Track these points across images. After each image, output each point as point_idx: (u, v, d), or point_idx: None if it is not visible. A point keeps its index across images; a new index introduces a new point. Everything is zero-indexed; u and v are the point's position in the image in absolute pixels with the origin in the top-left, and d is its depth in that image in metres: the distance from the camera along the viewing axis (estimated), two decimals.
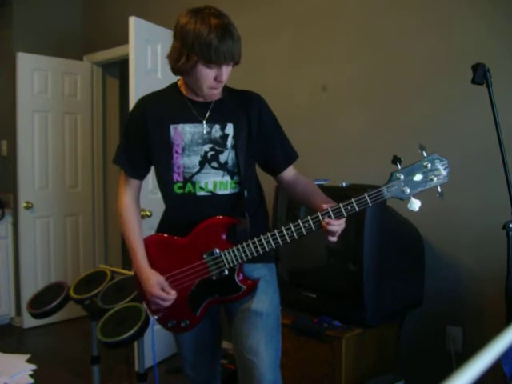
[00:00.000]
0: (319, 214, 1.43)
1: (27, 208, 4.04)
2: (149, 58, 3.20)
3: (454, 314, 2.50)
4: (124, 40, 3.27)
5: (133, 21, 3.05)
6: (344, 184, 2.36)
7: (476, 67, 1.83)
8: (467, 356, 0.51)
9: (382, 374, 2.26)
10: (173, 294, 1.56)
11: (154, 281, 1.56)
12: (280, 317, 1.67)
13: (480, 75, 1.82)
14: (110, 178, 4.66)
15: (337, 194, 2.34)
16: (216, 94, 1.56)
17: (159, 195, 3.41)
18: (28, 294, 3.02)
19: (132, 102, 3.04)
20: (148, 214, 3.00)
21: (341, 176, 2.51)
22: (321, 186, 2.52)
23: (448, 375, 0.51)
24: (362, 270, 2.19)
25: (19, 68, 4.00)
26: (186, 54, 1.44)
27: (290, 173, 1.71)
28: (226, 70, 1.49)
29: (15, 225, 4.13)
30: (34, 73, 4.08)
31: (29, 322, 3.91)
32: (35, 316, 2.35)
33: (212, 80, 1.48)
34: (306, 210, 2.62)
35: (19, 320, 4.12)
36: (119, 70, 4.65)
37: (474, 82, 1.84)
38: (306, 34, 3.06)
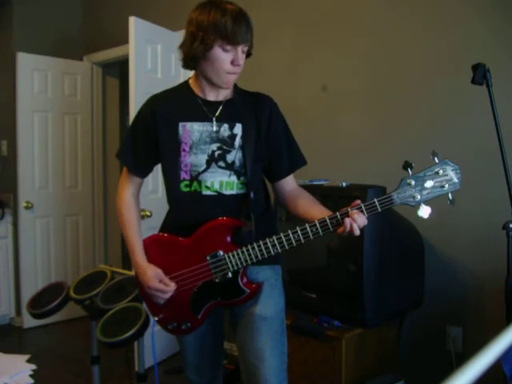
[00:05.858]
0: (326, 218, 1.42)
1: (27, 208, 4.04)
2: (149, 58, 3.20)
3: (454, 313, 2.50)
4: (124, 40, 3.27)
5: (133, 21, 3.05)
6: (344, 184, 2.36)
7: (476, 67, 1.82)
8: (467, 356, 0.51)
9: (382, 374, 2.26)
10: (172, 286, 1.54)
11: (151, 273, 1.55)
12: (285, 320, 1.65)
13: (480, 75, 1.82)
14: (110, 178, 4.66)
15: (337, 193, 2.35)
16: (232, 80, 1.54)
17: (159, 195, 3.40)
18: (28, 294, 3.02)
19: (132, 102, 3.04)
20: (148, 213, 3.00)
21: (341, 176, 2.51)
22: (321, 186, 2.54)
23: (448, 375, 0.51)
24: (361, 269, 2.19)
25: (19, 68, 3.99)
26: (201, 36, 1.43)
27: (291, 183, 1.69)
28: (242, 55, 1.49)
29: (15, 225, 4.13)
30: (34, 73, 4.08)
31: (29, 321, 3.91)
32: (35, 316, 2.35)
33: (229, 64, 1.48)
34: None
35: (19, 320, 4.12)
36: (119, 70, 4.65)
37: (473, 82, 1.84)
38: (306, 35, 3.06)
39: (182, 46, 1.53)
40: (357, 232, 1.39)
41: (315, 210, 1.54)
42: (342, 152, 2.91)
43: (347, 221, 1.39)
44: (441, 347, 2.52)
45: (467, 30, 2.45)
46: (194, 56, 1.50)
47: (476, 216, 2.40)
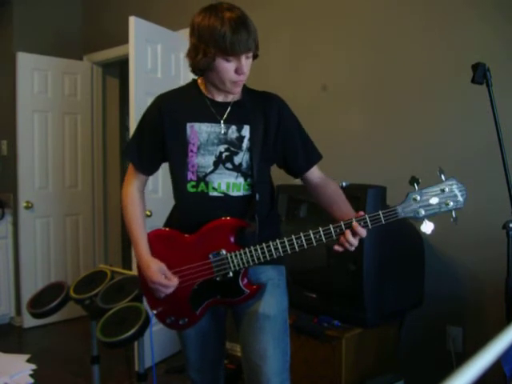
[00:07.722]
0: (331, 226, 1.45)
1: (27, 208, 4.04)
2: (149, 57, 3.20)
3: (454, 314, 2.50)
4: (124, 40, 3.27)
5: (133, 21, 3.05)
6: (344, 184, 2.36)
7: (476, 67, 1.82)
8: (467, 356, 0.51)
9: (381, 374, 2.26)
10: (175, 281, 1.54)
11: (155, 267, 1.55)
12: (288, 320, 1.65)
13: (480, 75, 1.82)
14: (110, 178, 4.66)
15: None
16: (239, 87, 1.55)
17: (159, 195, 3.39)
18: (28, 293, 3.01)
19: (132, 102, 3.04)
20: (148, 213, 3.00)
21: (341, 176, 2.51)
22: None
23: (448, 375, 0.51)
24: (361, 269, 2.19)
25: (19, 68, 3.99)
26: (203, 49, 1.45)
27: (315, 174, 1.69)
28: (246, 62, 1.49)
29: (15, 225, 4.13)
30: (34, 73, 4.08)
31: (29, 321, 3.91)
32: (35, 316, 2.35)
33: (233, 73, 1.48)
34: (306, 209, 2.62)
35: (19, 320, 4.12)
36: (119, 70, 4.65)
37: (473, 81, 1.84)
38: (306, 34, 3.06)
39: (188, 56, 1.54)
40: (350, 249, 1.48)
41: (336, 206, 1.58)
42: (342, 152, 2.91)
43: (342, 239, 1.46)
44: (441, 347, 2.52)
45: (467, 30, 2.45)
46: (199, 68, 1.52)
47: (476, 216, 2.40)
